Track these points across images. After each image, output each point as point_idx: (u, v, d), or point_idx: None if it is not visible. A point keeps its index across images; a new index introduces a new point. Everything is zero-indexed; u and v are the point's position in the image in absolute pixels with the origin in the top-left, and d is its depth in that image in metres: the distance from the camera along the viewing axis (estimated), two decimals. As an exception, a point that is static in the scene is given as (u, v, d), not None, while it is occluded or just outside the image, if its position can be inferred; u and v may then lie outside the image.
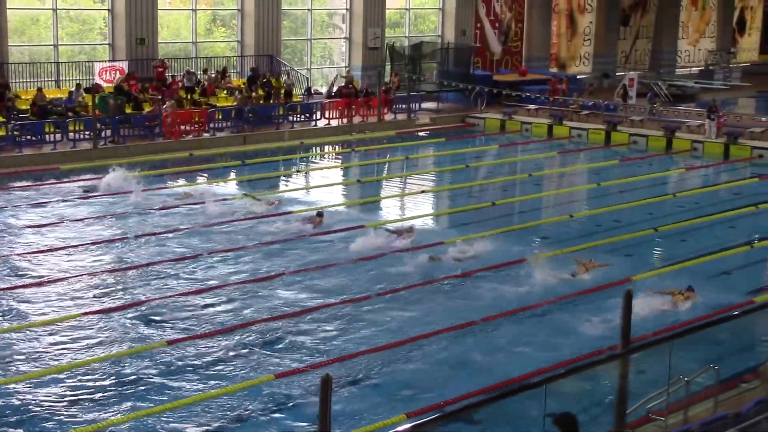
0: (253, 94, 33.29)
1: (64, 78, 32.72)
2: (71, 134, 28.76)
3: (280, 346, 14.85)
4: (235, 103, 32.81)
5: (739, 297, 17.26)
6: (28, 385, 13.28)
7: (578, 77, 45.41)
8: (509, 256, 19.52)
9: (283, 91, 34.85)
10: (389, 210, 23.31)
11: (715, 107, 34.00)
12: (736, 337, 14.57)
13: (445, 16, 43.00)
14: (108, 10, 33.63)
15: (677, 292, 17.04)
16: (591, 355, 13.86)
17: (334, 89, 36.65)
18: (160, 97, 31.83)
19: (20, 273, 17.93)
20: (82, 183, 25.23)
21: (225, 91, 34.36)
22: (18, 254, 19.04)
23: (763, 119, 36.60)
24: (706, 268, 19.42)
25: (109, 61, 33.30)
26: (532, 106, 38.18)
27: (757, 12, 57.49)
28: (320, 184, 26.02)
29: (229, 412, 12.64)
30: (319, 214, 21.97)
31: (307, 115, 34.66)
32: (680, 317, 16.17)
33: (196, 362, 14.14)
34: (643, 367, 12.13)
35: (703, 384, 11.80)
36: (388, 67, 39.81)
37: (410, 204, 24.46)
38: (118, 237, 20.47)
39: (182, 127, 30.90)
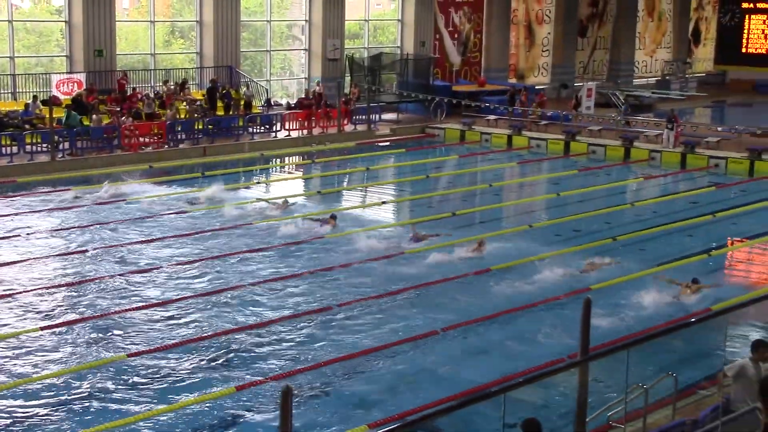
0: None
1: (20, 90, 32.46)
2: (28, 147, 28.51)
3: (241, 358, 14.81)
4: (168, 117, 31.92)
5: (696, 305, 17.46)
6: (-15, 401, 13.13)
7: (537, 87, 45.73)
8: (470, 266, 19.62)
9: (242, 103, 34.79)
10: (349, 221, 23.31)
11: (674, 117, 34.41)
12: (694, 344, 14.75)
13: (405, 28, 43.17)
14: (65, 21, 33.41)
15: (685, 285, 17.95)
16: (553, 363, 13.93)
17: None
18: (118, 109, 31.65)
19: (-23, 287, 17.74)
20: (73, 194, 25.29)
21: (184, 103, 34.23)
22: (-26, 268, 18.83)
23: (719, 129, 37.08)
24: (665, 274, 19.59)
25: (66, 73, 33.07)
26: (491, 117, 38.40)
27: (712, 23, 58.25)
28: (280, 196, 25.96)
29: (189, 426, 12.57)
30: (333, 216, 22.63)
31: (267, 126, 34.62)
32: (689, 309, 16.92)
33: (156, 375, 14.05)
34: (605, 375, 12.24)
35: (662, 391, 11.93)
36: (347, 79, 39.88)
37: (371, 215, 24.48)
38: (77, 250, 20.33)
39: (141, 139, 30.74)
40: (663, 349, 14.01)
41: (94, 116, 30.38)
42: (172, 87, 34.69)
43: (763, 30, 46.46)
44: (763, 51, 47.34)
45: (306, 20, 39.99)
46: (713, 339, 12.80)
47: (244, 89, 35.78)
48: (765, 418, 6.33)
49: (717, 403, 10.59)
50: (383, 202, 25.55)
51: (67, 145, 29.30)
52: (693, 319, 11.16)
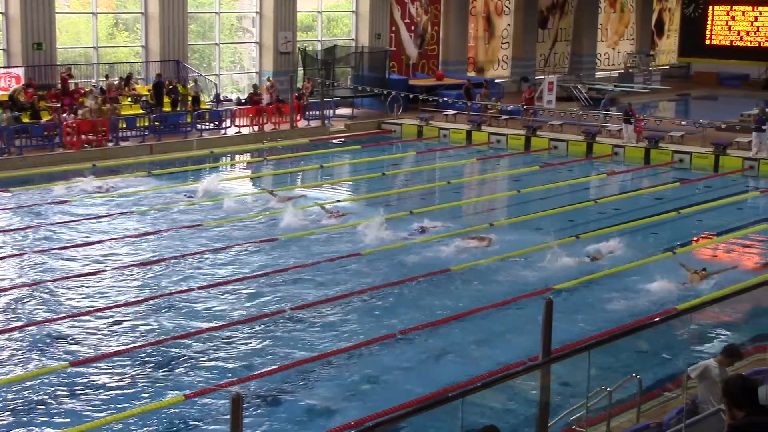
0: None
1: (-45, 86, 32.04)
2: (-37, 145, 28.16)
3: (190, 364, 14.73)
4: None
5: (661, 304, 17.63)
6: None
7: (497, 81, 45.93)
8: (431, 266, 19.67)
9: (190, 98, 34.60)
10: (302, 221, 23.28)
11: (632, 111, 34.72)
12: (659, 345, 14.89)
13: (359, 19, 43.15)
14: (1, 13, 33.01)
15: (693, 271, 18.85)
16: (516, 365, 14.00)
17: None
18: (59, 105, 31.33)
19: None
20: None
21: (129, 99, 33.97)
22: None
23: (683, 123, 37.48)
24: (629, 274, 19.77)
25: (3, 67, 32.67)
26: (449, 112, 38.51)
27: (675, 14, 58.84)
28: (230, 195, 25.87)
29: (136, 436, 12.49)
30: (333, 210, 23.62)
31: (217, 122, 34.47)
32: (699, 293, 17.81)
33: (101, 384, 13.93)
34: (569, 377, 12.32)
35: (626, 394, 12.03)
36: (300, 73, 39.80)
37: (325, 214, 24.41)
38: (16, 253, 20.12)
39: (84, 137, 30.46)
40: (628, 351, 14.13)
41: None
42: (116, 82, 34.41)
43: (727, 21, 47.02)
44: (727, 43, 47.92)
45: (257, 12, 39.85)
46: (678, 340, 12.92)
47: (192, 84, 35.58)
48: (729, 419, 6.41)
49: (681, 406, 10.71)
50: (338, 201, 25.52)
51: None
52: (657, 319, 11.27)
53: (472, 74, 47.15)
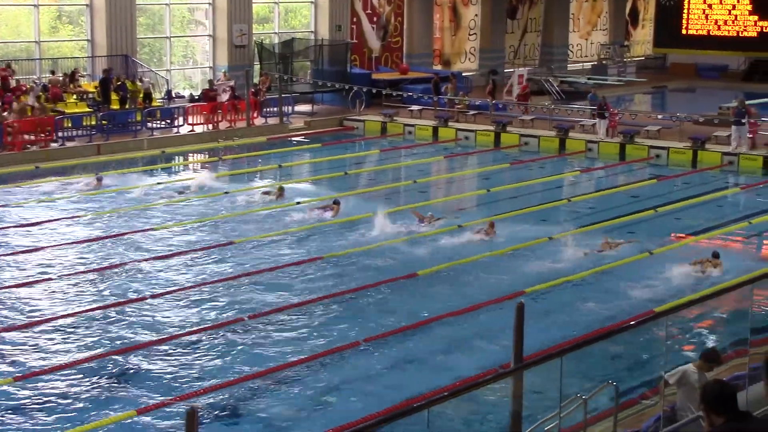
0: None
1: None
2: None
3: (142, 377, 14.67)
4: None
5: (638, 307, 17.76)
6: None
7: (464, 74, 46.08)
8: (395, 271, 19.70)
9: (140, 95, 34.44)
10: (259, 224, 23.27)
11: (606, 105, 34.94)
12: (635, 349, 15.00)
13: (318, 10, 43.15)
14: (-63, 6, 32.74)
15: (705, 260, 19.84)
16: (487, 373, 14.05)
17: None
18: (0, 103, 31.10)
19: None
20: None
21: (75, 96, 33.76)
22: None
23: (660, 117, 37.77)
24: (604, 277, 19.92)
25: (-61, 63, 32.41)
26: (415, 107, 38.58)
27: (650, 3, 59.24)
28: (182, 198, 25.78)
29: (85, 455, 12.42)
30: (336, 202, 24.12)
31: (168, 121, 34.34)
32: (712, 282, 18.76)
33: (47, 400, 13.84)
34: (542, 385, 12.38)
35: (602, 401, 12.11)
36: (256, 67, 39.72)
37: (285, 216, 24.40)
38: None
39: (26, 137, 30.23)
40: (604, 357, 14.23)
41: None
42: (60, 78, 34.18)
43: (704, 10, 47.44)
44: (705, 32, 48.35)
45: (209, 3, 39.75)
46: (656, 344, 13.03)
47: (141, 80, 35.41)
48: (708, 426, 6.47)
49: (659, 413, 10.80)
50: (298, 203, 25.50)
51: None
52: (632, 322, 11.36)
53: (438, 67, 47.30)
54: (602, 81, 49.30)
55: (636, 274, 19.96)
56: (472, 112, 38.21)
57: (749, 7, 45.19)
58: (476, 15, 49.96)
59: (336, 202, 24.30)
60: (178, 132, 34.13)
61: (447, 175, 32.04)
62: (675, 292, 18.58)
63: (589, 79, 49.39)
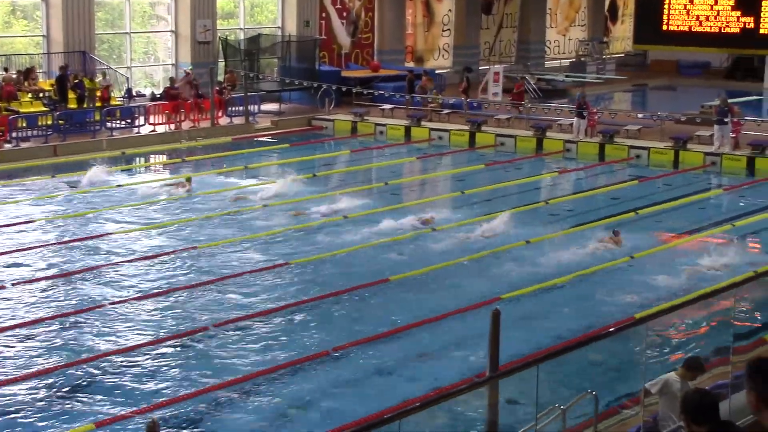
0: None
1: None
2: None
3: (100, 389, 14.58)
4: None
5: (618, 314, 17.84)
6: None
7: (438, 72, 46.14)
8: (366, 277, 19.69)
9: (98, 94, 34.27)
10: (223, 230, 23.21)
11: (585, 103, 35.04)
12: (615, 357, 15.04)
13: (286, 5, 43.09)
14: None
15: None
16: (463, 382, 14.06)
17: None
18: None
19: None
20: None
21: (30, 95, 33.54)
22: None
23: (640, 116, 37.95)
24: (583, 281, 19.98)
25: None
26: (386, 106, 38.58)
27: (630, -3, 59.57)
28: (144, 202, 25.68)
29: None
30: (188, 179, 26.08)
31: (129, 120, 34.19)
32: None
33: (0, 413, 13.74)
34: (519, 394, 12.40)
35: (581, 411, 12.13)
36: (221, 64, 39.62)
37: (251, 219, 24.35)
38: None
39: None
40: (581, 364, 14.25)
41: None
42: (14, 75, 33.96)
43: (685, 5, 47.60)
44: (686, 28, 48.50)
45: (171, -3, 39.61)
46: (636, 350, 13.06)
47: (100, 78, 35.24)
48: (688, 437, 6.49)
49: (640, 424, 10.83)
50: (264, 205, 25.45)
51: None
52: (612, 329, 11.39)
53: (411, 64, 47.33)
54: (581, 78, 49.50)
55: (617, 279, 20.05)
56: (445, 111, 38.26)
57: (732, 3, 45.38)
58: (450, 10, 50.04)
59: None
60: (138, 132, 33.98)
61: (420, 176, 32.05)
62: (656, 298, 18.67)
63: (567, 76, 49.58)
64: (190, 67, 38.30)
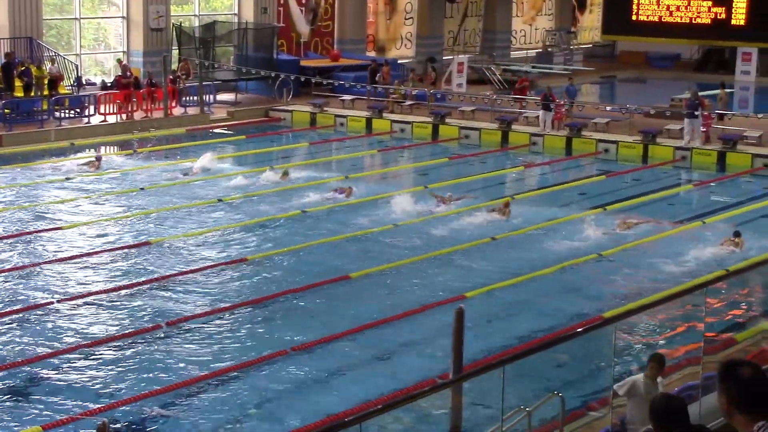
0: None
1: None
2: None
3: (48, 390, 14.51)
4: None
5: (586, 312, 17.95)
6: None
7: (400, 62, 46.14)
8: (326, 274, 19.69)
9: (46, 82, 34.00)
10: (174, 223, 23.13)
11: (551, 96, 35.14)
12: (582, 358, 15.13)
13: (243, -9, 42.94)
14: None
15: (728, 240, 21.96)
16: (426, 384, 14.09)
17: None
18: None
19: None
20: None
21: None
22: None
23: (608, 108, 38.13)
24: (549, 280, 20.07)
25: None
26: (347, 97, 38.54)
27: (599, -14, 59.82)
28: (93, 194, 25.53)
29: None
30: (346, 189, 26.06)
31: (78, 110, 33.96)
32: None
33: (-58, 416, 13.64)
34: (484, 396, 12.44)
35: (547, 413, 12.19)
36: (175, 52, 39.43)
37: (206, 213, 24.29)
38: None
39: None
40: (548, 365, 14.33)
41: None
42: (-41, 63, 33.67)
43: (655, -6, 48.02)
44: (656, 19, 48.90)
45: (123, -18, 39.36)
46: (604, 351, 13.15)
47: (48, 65, 34.98)
48: (658, 442, 6.53)
49: (608, 426, 10.89)
50: (219, 200, 25.38)
51: None
52: (579, 329, 11.45)
53: (372, 54, 47.32)
54: (547, 70, 49.67)
55: (585, 277, 20.18)
56: (408, 103, 38.27)
57: (703, -8, 45.92)
58: (413, -2, 50.04)
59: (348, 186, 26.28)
60: (88, 122, 33.76)
61: (381, 170, 32.05)
62: (625, 297, 18.80)
63: (533, 67, 49.74)
64: (119, 57, 38.02)
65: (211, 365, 15.40)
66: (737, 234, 22.08)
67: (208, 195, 25.97)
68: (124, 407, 13.91)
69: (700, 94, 34.28)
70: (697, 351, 12.46)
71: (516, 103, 38.16)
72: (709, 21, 47.04)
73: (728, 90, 36.65)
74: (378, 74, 39.80)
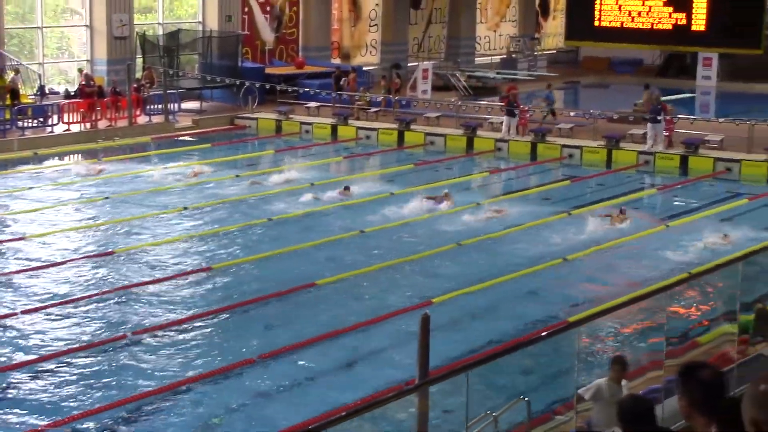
0: None
1: None
2: None
3: (9, 402, 14.43)
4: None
5: (549, 317, 18.03)
6: None
7: (365, 69, 46.17)
8: (292, 281, 19.67)
9: (8, 91, 33.79)
10: (141, 234, 23.06)
11: (515, 102, 35.24)
12: (549, 362, 15.19)
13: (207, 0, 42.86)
14: None
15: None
16: (389, 391, 14.11)
17: None
18: None
19: None
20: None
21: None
22: None
23: (572, 114, 38.30)
24: (514, 286, 20.14)
25: None
26: (312, 104, 38.55)
27: (562, -8, 60.09)
28: (57, 204, 25.41)
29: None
30: (347, 188, 27.09)
31: (41, 119, 33.77)
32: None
33: None
34: (451, 402, 12.48)
35: (513, 418, 12.24)
36: (139, 61, 39.29)
37: (173, 222, 24.22)
38: None
39: None
40: (513, 369, 14.38)
41: None
42: None
43: (617, 1, 48.22)
44: (618, 25, 49.11)
45: (86, -10, 39.18)
46: (568, 355, 13.22)
47: (10, 74, 34.76)
48: (624, 445, 6.57)
49: (573, 430, 10.94)
50: (184, 208, 25.32)
51: None
52: (544, 333, 11.50)
53: (337, 61, 47.33)
54: (512, 76, 49.81)
55: (550, 281, 20.27)
56: (373, 110, 38.30)
57: (664, -1, 46.18)
58: (377, 5, 50.09)
59: (346, 188, 27.22)
60: (52, 131, 33.58)
61: (347, 177, 32.02)
62: (589, 300, 18.91)
63: (498, 73, 49.89)
64: (81, 67, 37.88)
65: (177, 375, 15.35)
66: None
67: (173, 203, 25.90)
68: (87, 419, 13.83)
69: (663, 99, 34.49)
70: (659, 354, 12.54)
71: (482, 109, 38.26)
72: (670, 27, 47.30)
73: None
74: (342, 80, 39.81)
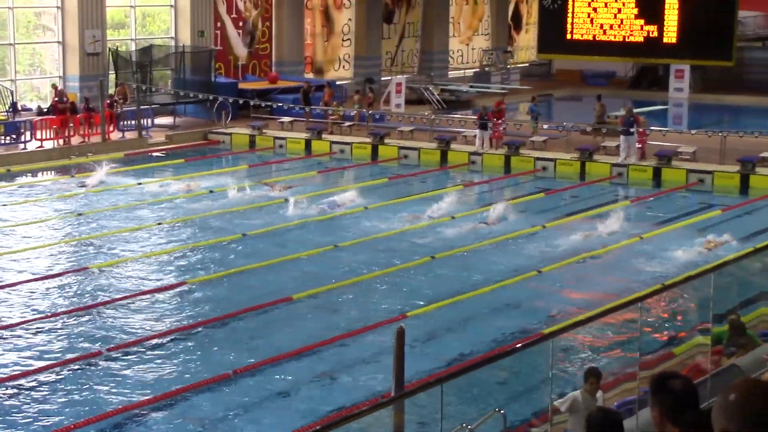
0: None
1: None
2: None
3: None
4: None
5: (524, 329, 18.09)
6: None
7: (338, 83, 46.25)
8: (268, 296, 19.67)
9: None
10: (118, 249, 23.01)
11: (488, 115, 35.35)
12: (524, 374, 15.25)
13: (179, 15, 42.82)
14: None
15: (710, 242, 23.31)
16: (364, 404, 14.14)
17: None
18: None
19: None
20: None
21: None
22: None
23: (546, 127, 38.46)
24: (489, 299, 20.20)
25: None
26: (285, 119, 38.58)
27: (533, 6, 60.28)
28: (28, 221, 25.33)
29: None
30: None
31: (14, 136, 33.66)
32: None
33: None
34: (426, 414, 12.51)
35: (489, 431, 12.28)
36: (112, 77, 39.23)
37: (147, 237, 24.18)
38: None
39: None
40: (488, 382, 14.44)
41: None
42: None
43: (589, 14, 48.42)
44: (590, 37, 49.29)
45: (58, 7, 39.09)
46: (544, 366, 13.28)
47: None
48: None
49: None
50: (159, 223, 25.30)
51: None
52: (518, 345, 11.56)
53: (310, 75, 47.39)
54: (485, 89, 49.98)
55: (526, 293, 20.36)
56: (347, 124, 38.35)
57: (635, 11, 46.31)
58: (350, 19, 50.21)
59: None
60: (24, 148, 33.46)
61: (322, 191, 32.02)
62: (565, 313, 18.98)
63: (471, 86, 50.04)
64: (54, 83, 37.79)
65: (154, 390, 15.33)
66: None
67: (148, 218, 25.87)
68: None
69: (635, 111, 34.68)
70: (633, 366, 12.62)
71: (455, 122, 38.35)
72: (641, 39, 47.50)
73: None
74: (310, 95, 39.77)
